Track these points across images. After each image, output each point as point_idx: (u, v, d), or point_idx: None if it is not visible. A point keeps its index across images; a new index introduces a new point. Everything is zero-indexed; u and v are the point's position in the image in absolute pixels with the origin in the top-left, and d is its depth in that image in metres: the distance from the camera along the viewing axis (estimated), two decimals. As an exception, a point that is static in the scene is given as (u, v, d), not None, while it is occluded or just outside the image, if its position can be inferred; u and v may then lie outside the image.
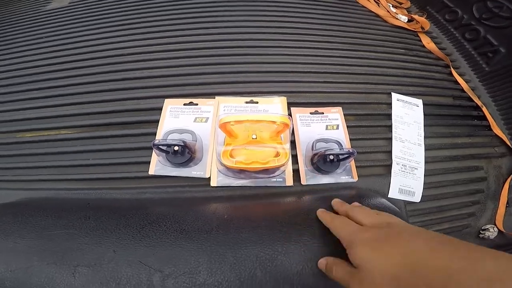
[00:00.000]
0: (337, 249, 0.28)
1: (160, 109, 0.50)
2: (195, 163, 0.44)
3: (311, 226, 0.32)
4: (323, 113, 0.50)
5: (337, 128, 0.49)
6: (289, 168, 0.45)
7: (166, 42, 0.60)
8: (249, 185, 0.43)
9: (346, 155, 0.42)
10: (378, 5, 0.82)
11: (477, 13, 0.69)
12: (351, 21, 0.70)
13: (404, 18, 0.78)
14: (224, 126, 0.40)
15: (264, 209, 0.36)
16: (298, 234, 0.31)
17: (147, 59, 0.58)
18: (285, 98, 0.51)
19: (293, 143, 0.47)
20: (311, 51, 0.60)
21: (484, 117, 0.60)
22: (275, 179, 0.44)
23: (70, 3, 0.76)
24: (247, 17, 0.66)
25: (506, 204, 0.56)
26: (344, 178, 0.45)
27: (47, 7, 0.77)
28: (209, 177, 0.44)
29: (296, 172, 0.45)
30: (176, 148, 0.42)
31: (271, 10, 0.68)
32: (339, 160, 0.43)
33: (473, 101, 0.61)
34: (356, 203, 0.34)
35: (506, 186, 0.56)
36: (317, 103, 0.52)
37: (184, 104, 0.50)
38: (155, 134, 0.48)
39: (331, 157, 0.42)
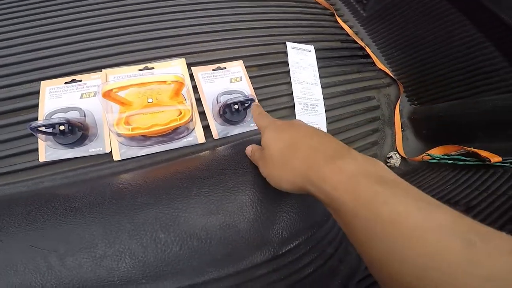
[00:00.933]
0: (238, 195, 0.28)
1: (38, 92, 0.42)
2: (91, 139, 0.39)
3: (211, 177, 0.30)
4: (225, 68, 0.49)
5: (241, 79, 0.49)
6: (198, 125, 0.43)
7: (38, 25, 0.50)
8: (157, 151, 0.40)
9: (248, 102, 0.42)
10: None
11: None
12: None
13: (293, -26, 0.81)
14: (108, 95, 0.35)
15: (164, 171, 0.34)
16: (198, 187, 0.29)
17: (15, 45, 0.47)
18: (184, 59, 0.48)
19: (199, 101, 0.45)
20: (207, 12, 0.58)
21: (368, 56, 0.68)
22: (185, 139, 0.42)
23: None
24: None
25: (402, 128, 0.64)
26: (253, 125, 0.45)
27: None
28: (110, 152, 0.39)
29: (207, 129, 0.44)
30: (61, 127, 0.36)
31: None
32: (245, 109, 0.43)
33: (357, 43, 0.68)
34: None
35: (397, 111, 0.65)
36: (218, 60, 0.51)
37: (66, 83, 0.43)
38: (36, 119, 0.41)
39: (236, 106, 0.42)
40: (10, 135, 0.40)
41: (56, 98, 0.42)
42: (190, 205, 0.28)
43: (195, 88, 0.46)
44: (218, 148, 0.38)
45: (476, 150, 0.50)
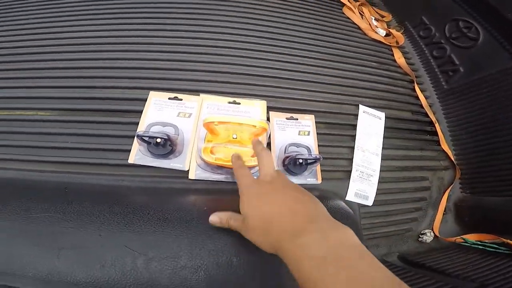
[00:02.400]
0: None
1: (145, 100, 0.53)
2: (175, 155, 0.49)
3: None
4: (297, 119, 0.56)
5: (308, 134, 0.55)
6: None
7: (156, 35, 0.62)
8: (226, 181, 0.49)
9: (313, 160, 0.49)
10: (362, 17, 0.89)
11: (448, 31, 0.76)
12: (334, 32, 0.76)
13: (383, 32, 0.85)
14: (207, 125, 0.44)
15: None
16: None
17: (136, 50, 0.59)
18: (265, 102, 0.56)
19: (268, 145, 0.53)
20: (293, 58, 0.65)
21: (435, 133, 0.70)
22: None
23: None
24: (236, 18, 0.68)
25: (444, 211, 0.66)
26: (310, 180, 0.52)
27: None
28: (188, 170, 0.48)
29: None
30: (158, 140, 0.45)
31: (259, 16, 0.71)
32: (307, 164, 0.50)
33: (429, 116, 0.71)
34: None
35: (445, 196, 0.67)
36: (293, 109, 0.58)
37: (169, 98, 0.53)
38: (137, 124, 0.51)
39: (300, 160, 0.49)
40: (112, 132, 0.50)
41: (158, 110, 0.52)
42: None
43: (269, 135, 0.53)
44: None
45: (510, 242, 0.53)
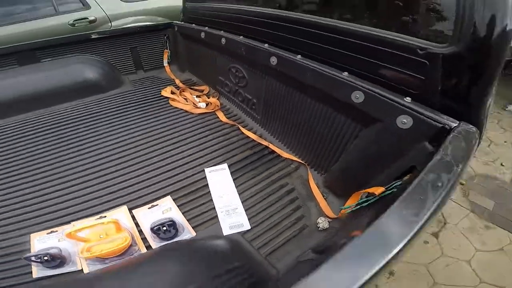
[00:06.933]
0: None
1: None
2: (68, 263, 0.68)
3: None
4: (158, 205, 0.76)
5: (171, 209, 0.75)
6: (143, 246, 0.67)
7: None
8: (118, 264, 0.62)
9: (169, 222, 0.67)
10: (186, 101, 1.20)
11: (234, 79, 1.13)
12: (167, 122, 1.05)
13: (203, 105, 1.17)
14: (70, 236, 0.61)
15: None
16: None
17: None
18: (126, 206, 0.72)
19: (142, 232, 0.70)
20: (135, 154, 0.87)
21: (273, 152, 0.98)
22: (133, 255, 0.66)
23: None
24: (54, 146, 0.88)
25: (324, 197, 0.84)
26: (186, 236, 0.70)
27: None
28: (82, 269, 0.64)
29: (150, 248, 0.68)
30: (45, 258, 0.63)
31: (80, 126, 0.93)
32: (170, 225, 0.67)
33: (262, 144, 0.99)
34: None
35: (313, 185, 0.89)
36: (152, 200, 0.78)
37: (47, 234, 0.71)
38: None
39: (164, 228, 0.66)
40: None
41: (43, 243, 0.71)
42: None
43: (137, 225, 0.69)
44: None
45: (366, 190, 0.64)
